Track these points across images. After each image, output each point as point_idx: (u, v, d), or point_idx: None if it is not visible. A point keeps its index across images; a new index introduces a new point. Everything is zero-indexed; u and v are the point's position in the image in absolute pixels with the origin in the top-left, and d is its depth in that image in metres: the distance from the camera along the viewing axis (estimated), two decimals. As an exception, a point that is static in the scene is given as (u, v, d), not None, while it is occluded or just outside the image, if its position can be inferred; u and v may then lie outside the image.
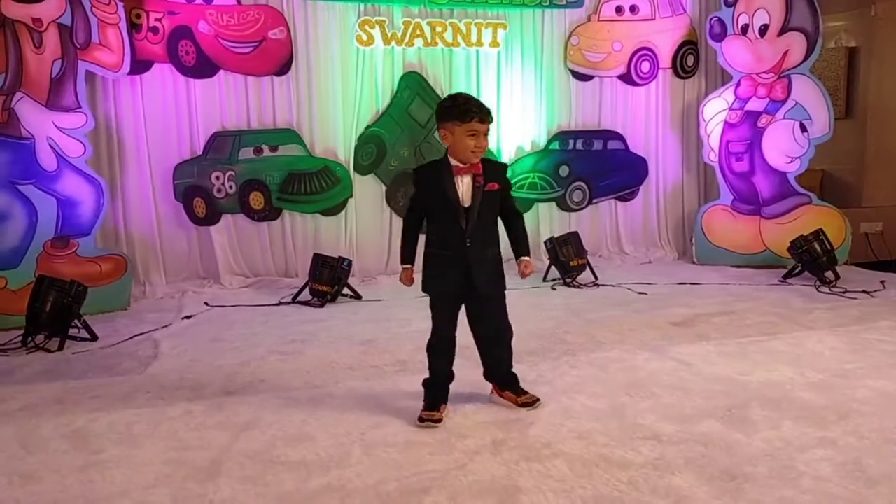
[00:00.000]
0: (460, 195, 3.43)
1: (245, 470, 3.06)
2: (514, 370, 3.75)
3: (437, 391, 3.60)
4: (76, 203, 5.64)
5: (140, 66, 6.11)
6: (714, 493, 2.79)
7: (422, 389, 3.62)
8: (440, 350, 3.60)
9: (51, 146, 5.51)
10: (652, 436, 3.30)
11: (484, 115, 3.41)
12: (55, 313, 4.88)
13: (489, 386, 3.78)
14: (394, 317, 5.47)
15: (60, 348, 4.81)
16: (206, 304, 5.96)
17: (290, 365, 4.41)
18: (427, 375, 3.64)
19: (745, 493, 2.79)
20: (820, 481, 2.89)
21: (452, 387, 3.69)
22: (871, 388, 3.86)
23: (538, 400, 3.67)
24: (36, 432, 3.47)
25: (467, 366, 3.82)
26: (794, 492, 2.80)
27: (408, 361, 4.38)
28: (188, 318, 5.57)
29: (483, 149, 3.44)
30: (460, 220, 3.42)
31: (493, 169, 3.54)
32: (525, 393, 3.70)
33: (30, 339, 4.84)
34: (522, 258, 3.64)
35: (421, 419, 3.47)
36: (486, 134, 3.44)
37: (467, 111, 3.38)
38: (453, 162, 3.44)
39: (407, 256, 3.64)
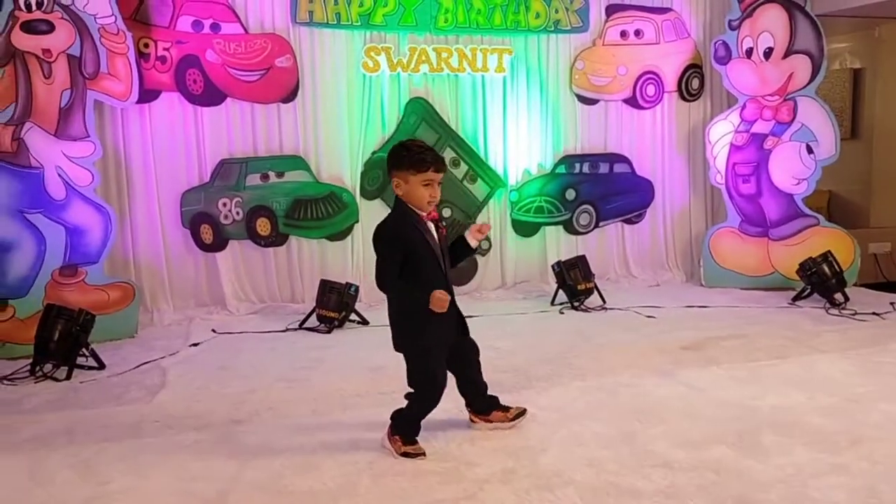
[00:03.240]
0: (436, 241, 3.37)
1: (253, 501, 3.05)
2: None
3: (416, 426, 3.49)
4: (84, 231, 5.66)
5: (148, 94, 6.16)
6: (727, 521, 2.77)
7: (435, 417, 3.59)
8: (436, 397, 3.45)
9: (59, 175, 5.53)
10: (663, 463, 3.28)
11: (439, 164, 3.32)
12: (63, 342, 4.88)
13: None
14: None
15: (68, 377, 4.80)
16: (213, 330, 5.96)
17: (297, 393, 4.40)
18: (400, 408, 3.50)
19: (759, 521, 2.77)
20: (834, 509, 2.86)
21: (459, 412, 3.68)
22: (884, 413, 3.83)
23: (525, 409, 3.70)
24: (44, 463, 3.46)
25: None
26: (808, 520, 2.77)
27: (416, 388, 4.36)
28: (195, 345, 5.56)
29: (436, 199, 3.35)
30: (441, 266, 3.38)
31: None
32: (510, 408, 3.70)
33: (38, 368, 4.83)
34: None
35: (406, 454, 3.38)
36: (439, 183, 3.35)
37: (422, 161, 3.27)
38: (417, 211, 3.34)
39: (414, 291, 3.37)
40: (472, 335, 3.64)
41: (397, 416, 3.51)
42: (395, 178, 3.33)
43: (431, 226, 3.38)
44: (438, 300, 3.26)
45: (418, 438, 3.48)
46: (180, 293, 6.48)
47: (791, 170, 6.96)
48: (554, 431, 3.66)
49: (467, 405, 3.73)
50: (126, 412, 4.13)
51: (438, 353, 3.45)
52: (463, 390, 3.69)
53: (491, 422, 3.70)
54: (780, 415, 3.82)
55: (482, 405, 3.72)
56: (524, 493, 3.02)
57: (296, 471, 3.29)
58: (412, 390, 3.49)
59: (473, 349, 3.65)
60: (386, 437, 3.49)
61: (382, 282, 3.41)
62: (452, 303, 3.36)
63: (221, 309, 6.49)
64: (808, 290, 6.47)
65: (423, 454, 3.39)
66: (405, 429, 3.47)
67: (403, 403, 3.50)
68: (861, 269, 6.90)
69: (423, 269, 3.34)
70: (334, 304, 5.95)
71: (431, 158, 3.30)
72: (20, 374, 4.83)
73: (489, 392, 3.74)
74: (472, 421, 3.73)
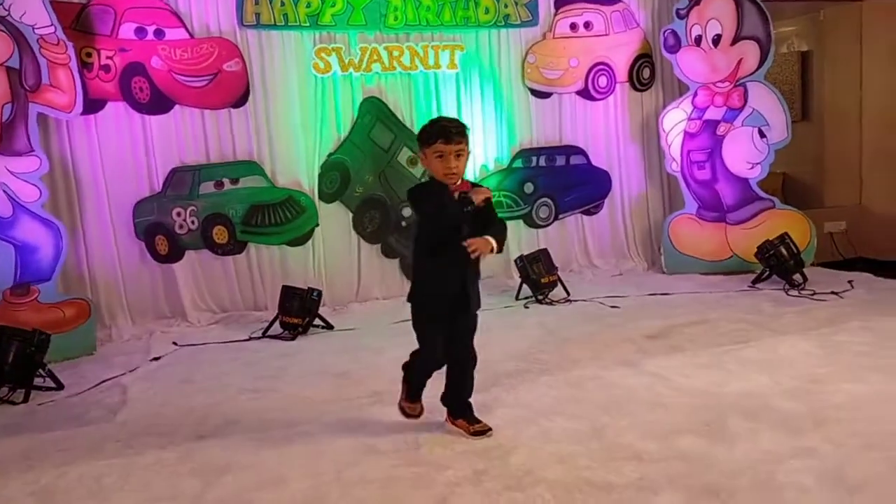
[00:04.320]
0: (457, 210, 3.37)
1: (220, 519, 2.98)
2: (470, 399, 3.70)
3: (419, 383, 3.69)
4: (34, 248, 5.50)
5: (93, 105, 6.00)
6: (699, 511, 2.78)
7: (398, 417, 3.60)
8: (430, 360, 3.62)
9: (4, 192, 5.37)
10: (633, 455, 3.28)
11: (448, 135, 3.33)
12: (18, 364, 4.72)
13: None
14: (367, 346, 5.40)
15: (26, 399, 4.65)
16: (174, 343, 5.83)
17: (262, 404, 4.32)
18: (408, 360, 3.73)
19: (730, 509, 2.78)
20: (802, 492, 2.90)
21: (428, 416, 3.65)
22: (846, 393, 3.88)
23: (490, 429, 3.59)
24: (1, 493, 3.34)
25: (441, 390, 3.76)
26: (777, 505, 2.79)
27: (383, 392, 4.29)
28: (156, 359, 5.43)
29: (455, 171, 3.35)
30: (463, 234, 3.35)
31: (479, 188, 3.48)
32: (478, 421, 3.63)
33: (-7, 392, 4.69)
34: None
35: (402, 409, 3.69)
36: (457, 155, 3.35)
37: (431, 133, 3.36)
38: (444, 182, 3.39)
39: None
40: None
41: (407, 365, 3.72)
42: (420, 153, 3.47)
43: (457, 196, 3.37)
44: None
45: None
46: (138, 307, 6.33)
47: (745, 155, 7.04)
48: (523, 429, 3.64)
49: (443, 397, 3.73)
50: (86, 433, 4.01)
51: (437, 327, 3.54)
52: (449, 379, 3.69)
53: (454, 426, 3.66)
54: (746, 400, 3.85)
55: (455, 408, 3.68)
56: (495, 495, 3.00)
57: (262, 485, 3.23)
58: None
59: (470, 359, 3.67)
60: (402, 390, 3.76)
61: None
62: (456, 275, 3.45)
63: (182, 320, 6.35)
64: (767, 273, 6.55)
65: (417, 416, 3.70)
66: (409, 380, 3.71)
67: (368, 409, 3.49)
68: (818, 249, 7.01)
69: (437, 233, 3.44)
70: (297, 310, 5.87)
71: (438, 130, 3.35)
72: (-25, 399, 4.69)
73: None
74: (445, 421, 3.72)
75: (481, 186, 3.54)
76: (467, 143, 3.42)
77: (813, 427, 3.46)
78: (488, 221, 3.44)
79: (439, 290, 3.49)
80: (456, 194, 3.36)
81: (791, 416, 3.61)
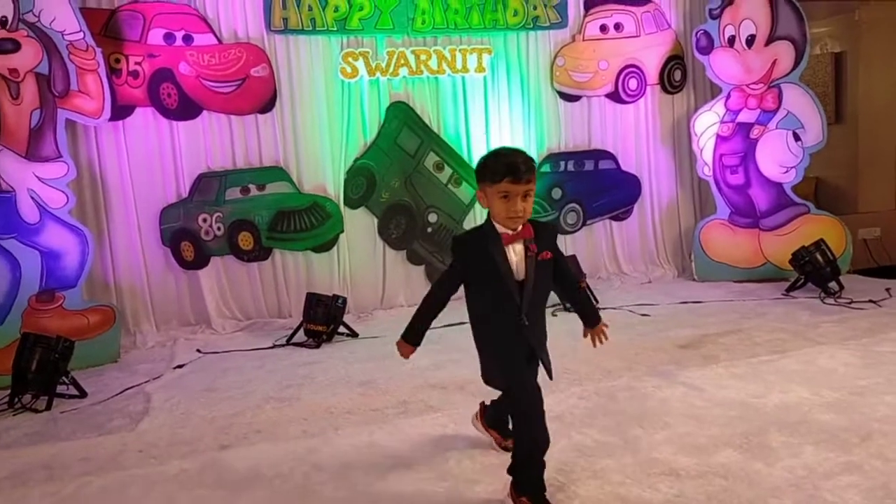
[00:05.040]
0: (513, 267, 2.91)
1: (244, 533, 2.91)
2: None
3: (539, 474, 2.96)
4: (61, 255, 5.49)
5: (121, 111, 6.00)
6: (741, 532, 2.66)
7: (430, 430, 3.44)
8: (536, 412, 2.95)
9: (32, 198, 5.37)
10: (669, 471, 3.16)
11: (518, 173, 2.82)
12: (42, 371, 4.71)
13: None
14: (392, 354, 5.20)
15: (48, 407, 4.63)
16: (198, 351, 5.79)
17: (286, 413, 4.25)
18: (515, 459, 2.99)
19: (774, 530, 2.66)
20: (850, 512, 2.76)
21: (453, 429, 3.54)
22: (891, 406, 3.73)
23: None
24: (22, 502, 3.30)
25: (471, 402, 3.66)
26: (824, 526, 2.66)
27: (409, 402, 4.23)
28: (180, 367, 5.40)
29: (521, 214, 2.87)
30: (514, 297, 2.90)
31: (545, 233, 3.01)
32: (511, 437, 3.41)
33: (16, 399, 4.66)
34: (597, 326, 3.18)
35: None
36: (525, 196, 2.86)
37: (496, 170, 2.84)
38: (500, 229, 2.91)
39: (415, 335, 3.11)
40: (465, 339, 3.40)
41: (512, 469, 3.01)
42: (479, 191, 2.96)
43: (518, 247, 2.93)
44: (401, 348, 3.14)
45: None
46: (163, 314, 6.32)
47: (779, 158, 6.88)
48: (554, 441, 3.49)
49: (493, 401, 3.48)
50: (108, 442, 3.97)
51: (513, 362, 3.00)
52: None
53: (486, 433, 3.54)
54: (786, 413, 3.71)
55: (494, 417, 3.51)
56: (528, 511, 2.89)
57: (288, 498, 3.15)
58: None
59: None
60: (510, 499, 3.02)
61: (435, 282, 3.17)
62: (523, 341, 2.97)
63: (206, 328, 6.33)
64: (801, 280, 6.38)
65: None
66: (527, 484, 2.94)
67: (394, 420, 3.34)
68: (852, 256, 6.81)
69: (488, 291, 2.96)
70: (322, 318, 5.81)
71: (504, 167, 2.83)
72: (-2, 406, 4.67)
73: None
74: (475, 418, 3.59)
75: (547, 224, 3.15)
76: (535, 181, 2.93)
77: (858, 442, 3.32)
78: (563, 277, 3.11)
79: (507, 354, 3.00)
80: (521, 243, 2.92)
81: (834, 429, 3.47)
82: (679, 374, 4.41)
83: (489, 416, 3.48)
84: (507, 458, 3.36)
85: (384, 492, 3.14)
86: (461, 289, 3.06)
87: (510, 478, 3.00)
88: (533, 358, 3.04)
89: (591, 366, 4.70)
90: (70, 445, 3.96)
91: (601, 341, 3.22)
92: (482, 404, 3.56)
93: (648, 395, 4.10)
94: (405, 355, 3.15)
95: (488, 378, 3.12)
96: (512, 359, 2.98)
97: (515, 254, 2.92)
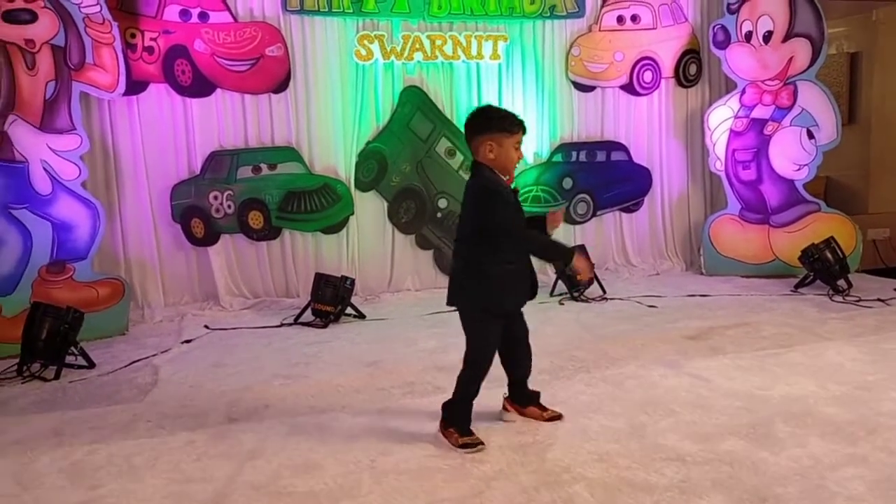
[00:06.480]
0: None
1: (251, 502, 2.92)
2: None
3: (468, 412, 3.39)
4: (72, 227, 5.51)
5: (136, 86, 6.01)
6: (746, 517, 2.67)
7: (436, 411, 3.47)
8: (484, 371, 3.36)
9: (45, 169, 5.38)
10: (675, 456, 3.17)
11: (524, 126, 3.37)
12: (51, 341, 4.74)
13: (497, 404, 3.64)
14: (399, 336, 5.33)
15: (57, 377, 4.66)
16: (206, 327, 5.82)
17: (294, 389, 4.27)
18: (450, 398, 3.42)
19: (779, 516, 2.67)
20: (855, 501, 2.76)
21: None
22: (897, 401, 3.73)
23: (561, 415, 3.60)
24: (32, 467, 3.33)
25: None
26: (830, 514, 2.67)
27: (415, 383, 4.25)
28: (188, 342, 5.42)
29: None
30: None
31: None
32: (548, 409, 3.63)
33: (25, 367, 4.69)
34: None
35: (465, 446, 3.28)
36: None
37: (514, 122, 3.32)
38: (501, 177, 3.35)
39: (563, 246, 3.49)
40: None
41: (449, 405, 3.42)
42: (487, 141, 3.27)
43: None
44: (582, 263, 3.43)
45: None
46: (172, 289, 6.35)
47: (792, 155, 6.87)
48: (560, 426, 3.55)
49: (509, 385, 3.63)
50: (117, 412, 3.99)
51: (498, 326, 3.37)
52: (509, 367, 3.59)
53: (524, 415, 3.61)
54: (792, 405, 3.72)
55: (522, 396, 3.63)
56: (533, 491, 2.91)
57: (295, 471, 3.17)
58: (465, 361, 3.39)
59: (524, 327, 3.56)
60: (440, 432, 3.42)
61: (508, 231, 3.25)
62: (531, 271, 3.42)
63: (214, 304, 6.36)
64: (810, 277, 6.38)
65: (482, 444, 3.30)
66: (458, 417, 3.37)
67: (401, 399, 3.38)
68: (861, 256, 6.80)
69: (512, 230, 3.32)
70: (330, 298, 5.82)
71: (517, 121, 3.33)
72: (7, 374, 4.70)
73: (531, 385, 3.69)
74: (504, 409, 3.64)
75: None
76: None
77: (864, 435, 3.32)
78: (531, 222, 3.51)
79: (519, 286, 3.39)
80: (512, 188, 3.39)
81: (840, 422, 3.48)
82: (686, 364, 4.42)
83: (452, 418, 3.42)
84: (512, 438, 3.41)
85: (389, 468, 3.16)
86: (465, 241, 3.38)
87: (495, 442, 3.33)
88: (534, 283, 3.47)
89: (597, 353, 4.72)
90: (79, 414, 3.99)
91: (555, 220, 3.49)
92: (514, 406, 3.65)
93: (655, 383, 4.11)
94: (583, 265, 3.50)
95: (489, 307, 3.30)
96: (516, 294, 3.39)
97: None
